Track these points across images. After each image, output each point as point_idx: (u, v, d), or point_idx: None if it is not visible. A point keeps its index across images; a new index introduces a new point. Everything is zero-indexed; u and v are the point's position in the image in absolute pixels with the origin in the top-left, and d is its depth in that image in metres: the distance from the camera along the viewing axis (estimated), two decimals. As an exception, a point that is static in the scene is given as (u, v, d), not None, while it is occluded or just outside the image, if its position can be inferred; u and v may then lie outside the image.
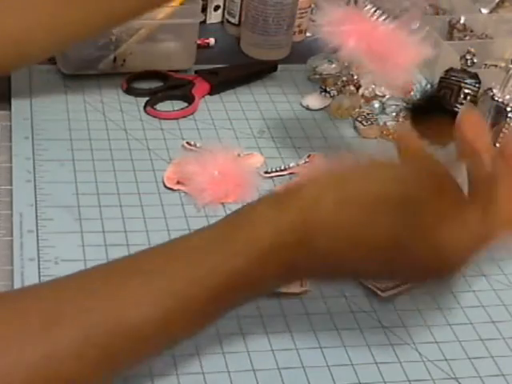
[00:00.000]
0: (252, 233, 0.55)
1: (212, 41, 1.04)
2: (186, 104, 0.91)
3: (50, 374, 0.50)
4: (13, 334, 0.51)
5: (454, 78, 0.91)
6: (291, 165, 0.83)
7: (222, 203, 0.78)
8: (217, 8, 1.09)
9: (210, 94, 0.94)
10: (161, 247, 0.57)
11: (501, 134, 0.87)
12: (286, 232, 0.55)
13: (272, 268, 0.55)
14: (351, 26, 0.73)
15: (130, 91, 0.92)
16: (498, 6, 1.11)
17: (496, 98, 0.87)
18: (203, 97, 0.93)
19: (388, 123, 0.92)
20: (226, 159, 0.79)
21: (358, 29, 0.73)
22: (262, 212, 0.55)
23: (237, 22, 1.06)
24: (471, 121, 0.61)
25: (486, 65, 0.99)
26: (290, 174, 0.83)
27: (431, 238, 0.56)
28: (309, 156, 0.85)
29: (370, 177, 0.56)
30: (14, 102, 0.87)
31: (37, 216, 0.73)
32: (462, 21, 1.05)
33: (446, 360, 0.66)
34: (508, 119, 0.86)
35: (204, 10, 1.05)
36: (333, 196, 0.55)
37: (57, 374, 0.50)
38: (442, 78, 0.92)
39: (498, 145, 0.86)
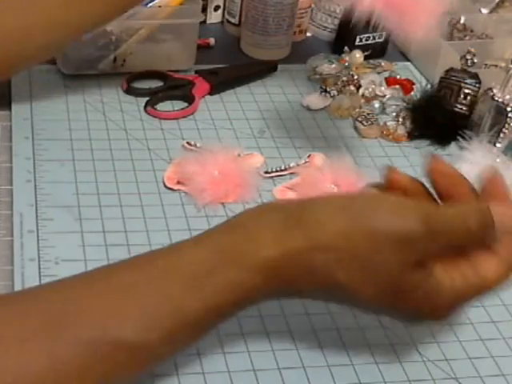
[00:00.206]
0: (255, 255, 0.55)
1: (212, 41, 1.04)
2: (186, 104, 0.91)
3: (51, 375, 0.50)
4: (13, 334, 0.50)
5: (454, 77, 0.92)
6: (291, 165, 0.83)
7: (222, 203, 0.78)
8: (217, 8, 1.09)
9: (210, 94, 0.94)
10: (164, 251, 0.57)
11: (501, 134, 0.87)
12: (289, 256, 0.55)
13: (274, 283, 0.56)
14: None
15: (130, 91, 0.92)
16: (498, 5, 1.11)
17: (496, 98, 0.87)
18: (203, 97, 0.93)
19: (388, 123, 0.92)
20: (226, 159, 0.79)
21: None
22: (266, 238, 0.55)
23: (237, 22, 1.06)
24: (441, 170, 0.61)
25: (486, 65, 0.99)
26: (290, 173, 0.83)
27: (427, 283, 0.56)
28: (309, 156, 0.85)
29: (380, 211, 0.56)
30: (14, 101, 0.87)
31: (37, 216, 0.73)
32: (462, 21, 1.05)
33: (446, 360, 0.66)
34: (508, 119, 0.86)
35: (204, 10, 1.05)
36: (340, 224, 0.55)
37: (58, 374, 0.50)
38: (442, 77, 0.92)
39: (498, 144, 0.87)
